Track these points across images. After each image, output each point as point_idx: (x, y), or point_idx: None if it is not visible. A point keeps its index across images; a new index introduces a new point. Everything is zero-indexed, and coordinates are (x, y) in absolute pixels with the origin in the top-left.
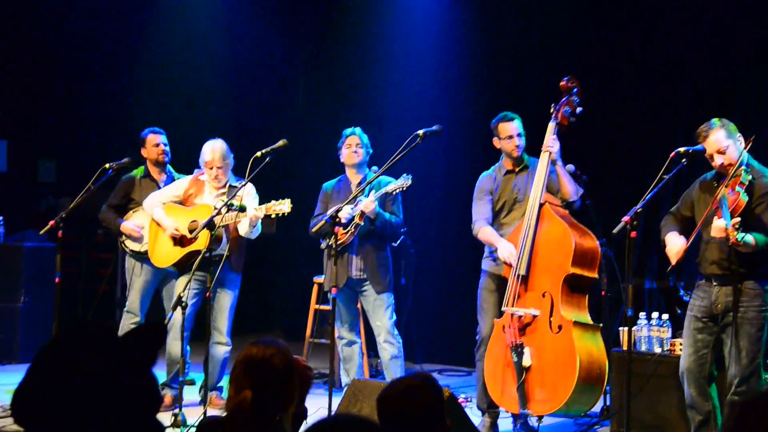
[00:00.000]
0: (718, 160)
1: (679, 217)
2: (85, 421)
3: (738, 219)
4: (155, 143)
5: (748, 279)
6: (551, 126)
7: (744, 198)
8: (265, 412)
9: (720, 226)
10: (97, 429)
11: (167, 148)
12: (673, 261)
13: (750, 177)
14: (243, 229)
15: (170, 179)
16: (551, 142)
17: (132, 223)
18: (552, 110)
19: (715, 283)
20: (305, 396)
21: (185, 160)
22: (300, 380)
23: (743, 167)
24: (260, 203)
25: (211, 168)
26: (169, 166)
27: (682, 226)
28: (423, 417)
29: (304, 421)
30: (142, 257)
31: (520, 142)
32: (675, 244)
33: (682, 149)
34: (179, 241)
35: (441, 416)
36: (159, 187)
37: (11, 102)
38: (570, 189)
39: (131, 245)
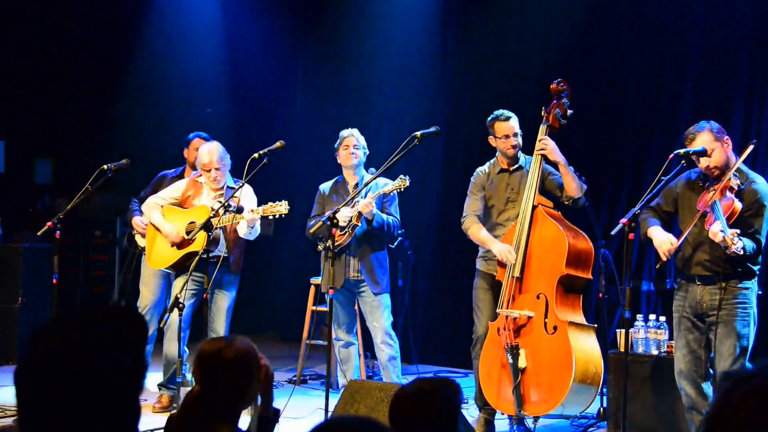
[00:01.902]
0: (703, 163)
1: (660, 212)
2: (72, 401)
3: (737, 231)
4: (196, 147)
5: (731, 278)
6: (542, 128)
7: (738, 205)
8: (218, 407)
9: (715, 231)
10: (83, 408)
11: None
12: (664, 257)
13: (739, 182)
14: (241, 231)
15: None
16: (543, 144)
17: (140, 218)
18: (543, 113)
19: (698, 283)
20: (271, 397)
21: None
22: (263, 380)
23: (730, 171)
24: (258, 205)
25: (209, 170)
26: None
27: (662, 221)
28: (433, 423)
29: (277, 424)
30: None
31: (517, 142)
32: (664, 240)
33: (681, 151)
34: (177, 242)
35: (452, 424)
36: None
37: (8, 103)
38: (574, 185)
39: (140, 241)
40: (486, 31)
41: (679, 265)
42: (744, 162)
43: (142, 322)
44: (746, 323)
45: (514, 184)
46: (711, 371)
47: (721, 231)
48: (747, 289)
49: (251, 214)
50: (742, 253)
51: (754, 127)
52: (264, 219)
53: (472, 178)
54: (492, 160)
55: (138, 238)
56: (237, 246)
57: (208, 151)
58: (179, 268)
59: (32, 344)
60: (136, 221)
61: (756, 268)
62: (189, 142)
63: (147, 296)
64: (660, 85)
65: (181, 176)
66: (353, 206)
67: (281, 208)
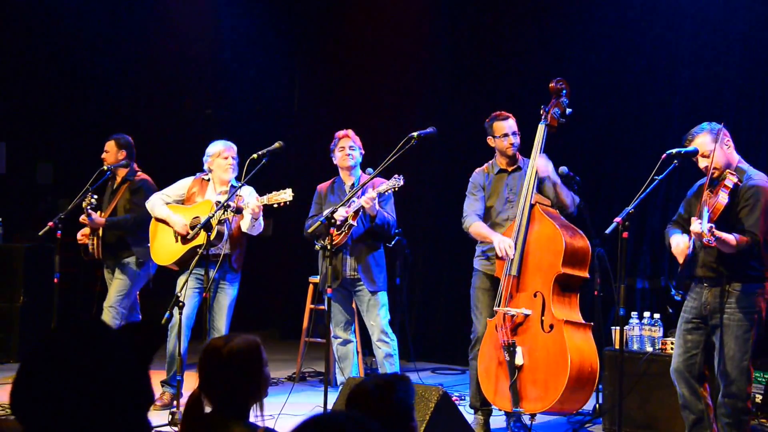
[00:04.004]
0: (702, 164)
1: (682, 223)
2: (78, 416)
3: (710, 225)
4: (106, 150)
5: (735, 281)
6: (541, 127)
7: (723, 200)
8: (224, 404)
9: (694, 228)
10: (89, 424)
11: (105, 155)
12: (680, 260)
13: (736, 179)
14: (245, 225)
15: (124, 181)
16: (542, 169)
17: (82, 231)
18: (542, 112)
19: (705, 285)
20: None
21: (182, 162)
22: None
23: (728, 170)
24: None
25: (227, 158)
26: (130, 166)
27: (684, 230)
28: (385, 417)
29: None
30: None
31: (515, 141)
32: (678, 244)
33: (673, 151)
34: (181, 237)
35: (406, 418)
36: (112, 190)
37: (10, 105)
38: (567, 201)
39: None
40: (484, 32)
41: (691, 268)
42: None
43: (154, 336)
44: (748, 328)
45: (512, 185)
46: (706, 374)
47: (699, 224)
48: (754, 293)
49: (257, 201)
50: (714, 244)
51: (744, 125)
52: (264, 218)
53: (470, 179)
54: (490, 161)
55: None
56: (238, 244)
57: (222, 143)
58: (184, 263)
59: (31, 353)
60: (79, 235)
61: (766, 271)
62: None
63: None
64: (654, 85)
65: (106, 182)
66: (350, 206)
67: (286, 195)
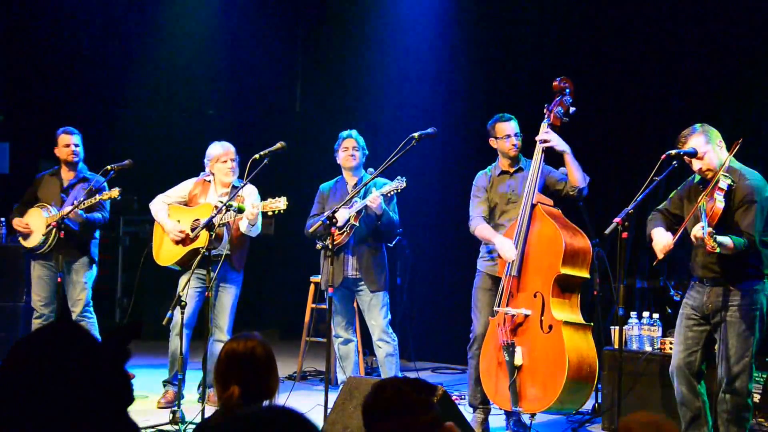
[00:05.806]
0: (696, 165)
1: (667, 215)
2: (57, 418)
3: (711, 230)
4: (65, 143)
5: (736, 280)
6: (544, 126)
7: (720, 205)
8: (252, 403)
9: (696, 234)
10: (69, 426)
11: (77, 149)
12: (660, 255)
13: (729, 181)
14: (243, 227)
15: (79, 178)
16: (546, 137)
17: (18, 219)
18: (545, 111)
19: (706, 284)
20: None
21: (184, 163)
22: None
23: (722, 173)
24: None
25: (225, 161)
26: (82, 165)
27: (669, 223)
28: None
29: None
30: (34, 255)
31: (517, 142)
32: (661, 239)
33: (672, 151)
34: (182, 239)
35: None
36: (63, 186)
37: (13, 105)
38: (578, 176)
39: (22, 242)
40: (484, 32)
41: (690, 268)
42: (736, 159)
43: (130, 334)
44: (751, 325)
45: (515, 186)
46: (704, 370)
47: (702, 230)
48: (755, 290)
49: (251, 209)
50: (718, 250)
51: (742, 127)
52: (265, 218)
53: (474, 182)
54: (493, 164)
55: (21, 240)
56: (240, 244)
57: (221, 145)
58: (185, 264)
59: (9, 356)
60: (14, 222)
61: (765, 269)
62: (56, 139)
63: (34, 299)
64: (652, 86)
65: (56, 175)
66: (351, 206)
67: (280, 204)
